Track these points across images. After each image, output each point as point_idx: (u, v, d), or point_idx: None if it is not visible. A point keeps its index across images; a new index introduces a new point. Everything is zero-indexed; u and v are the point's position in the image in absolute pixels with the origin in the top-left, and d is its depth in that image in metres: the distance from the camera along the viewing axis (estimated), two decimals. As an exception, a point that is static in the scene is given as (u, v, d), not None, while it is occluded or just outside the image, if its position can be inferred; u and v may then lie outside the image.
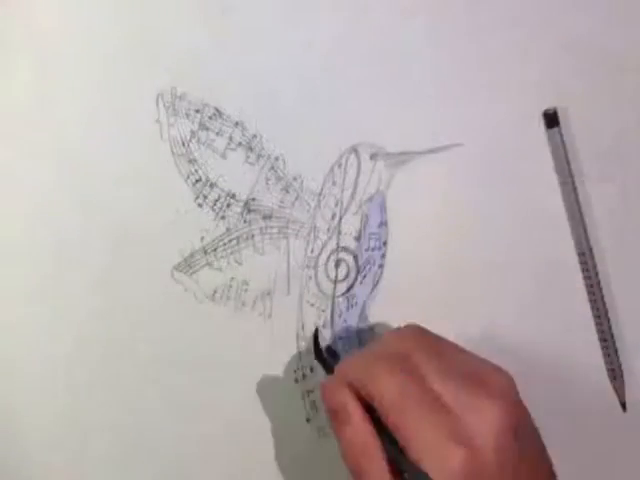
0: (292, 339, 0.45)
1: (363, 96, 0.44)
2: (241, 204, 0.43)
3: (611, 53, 0.45)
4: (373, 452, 0.35)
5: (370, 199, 0.45)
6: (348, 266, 0.45)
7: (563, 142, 0.45)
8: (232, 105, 0.42)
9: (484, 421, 0.34)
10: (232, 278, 0.44)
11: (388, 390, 0.35)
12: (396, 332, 0.39)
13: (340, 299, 0.45)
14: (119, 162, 0.42)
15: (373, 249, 0.45)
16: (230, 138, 0.43)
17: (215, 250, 0.43)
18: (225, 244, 0.43)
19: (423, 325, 0.39)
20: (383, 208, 0.45)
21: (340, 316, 0.45)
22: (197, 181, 0.43)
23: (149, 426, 0.44)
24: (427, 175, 0.45)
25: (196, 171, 0.43)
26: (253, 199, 0.43)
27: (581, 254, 0.46)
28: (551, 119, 0.45)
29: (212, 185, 0.43)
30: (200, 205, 0.43)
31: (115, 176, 0.42)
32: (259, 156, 0.43)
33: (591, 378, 0.47)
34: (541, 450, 0.36)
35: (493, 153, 0.45)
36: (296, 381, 0.45)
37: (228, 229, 0.43)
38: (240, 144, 0.43)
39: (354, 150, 0.44)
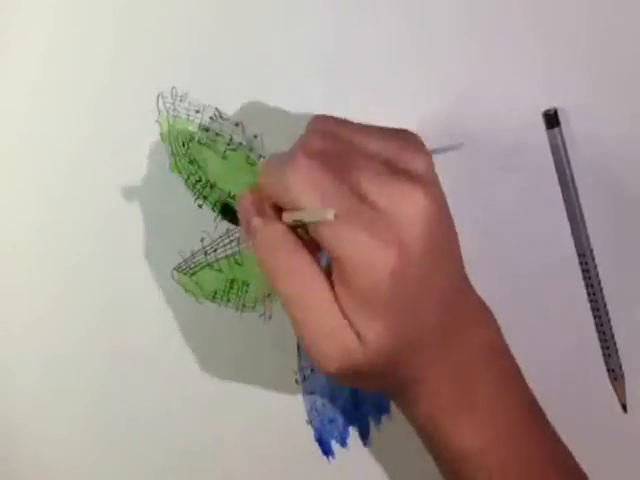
0: (292, 340, 0.45)
1: (363, 96, 0.44)
2: (241, 205, 0.43)
3: (612, 53, 0.45)
4: (298, 248, 0.35)
5: (371, 199, 0.44)
6: (349, 267, 0.45)
7: (563, 142, 0.45)
8: (232, 105, 0.42)
9: (408, 214, 0.33)
10: (232, 279, 0.44)
11: (309, 199, 0.33)
12: (310, 134, 0.36)
13: (340, 300, 0.45)
14: (119, 162, 0.42)
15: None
16: (230, 138, 0.43)
17: (215, 251, 0.43)
18: (225, 245, 0.43)
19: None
20: (384, 209, 0.44)
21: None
22: (197, 182, 0.42)
23: (149, 424, 0.44)
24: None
25: (196, 172, 0.42)
26: (253, 200, 0.43)
27: (581, 254, 0.46)
28: (551, 119, 0.45)
29: (212, 186, 0.43)
30: (200, 206, 0.43)
31: (115, 177, 0.42)
32: (259, 156, 0.43)
33: (591, 378, 0.47)
34: (455, 234, 0.37)
35: (493, 153, 0.45)
36: (296, 382, 0.45)
37: (228, 230, 0.43)
38: (240, 144, 0.43)
39: (355, 150, 0.44)
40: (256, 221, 0.35)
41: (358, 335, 0.34)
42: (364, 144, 0.35)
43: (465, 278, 0.38)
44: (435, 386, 0.36)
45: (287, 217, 0.35)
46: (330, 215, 0.31)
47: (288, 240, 0.35)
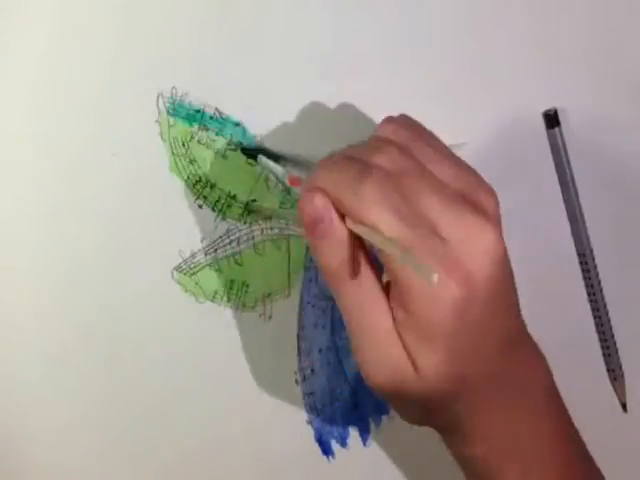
0: (292, 340, 0.45)
1: (363, 96, 0.44)
2: (241, 205, 0.43)
3: (612, 53, 0.45)
4: (364, 260, 0.34)
5: (371, 200, 0.44)
6: (349, 267, 0.45)
7: (563, 142, 0.45)
8: (232, 105, 0.42)
9: (479, 249, 0.33)
10: (232, 279, 0.44)
11: (382, 218, 0.32)
12: (386, 144, 0.35)
13: (340, 300, 0.45)
14: (119, 162, 0.41)
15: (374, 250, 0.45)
16: (230, 138, 0.43)
17: (215, 251, 0.43)
18: (225, 245, 0.43)
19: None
20: (384, 209, 0.44)
21: (341, 318, 0.45)
22: (197, 182, 0.42)
23: (149, 424, 0.44)
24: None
25: (196, 172, 0.42)
26: (253, 200, 0.43)
27: (581, 254, 0.46)
28: (551, 119, 0.45)
29: (212, 186, 0.43)
30: (200, 206, 0.43)
31: (115, 177, 0.42)
32: (260, 156, 0.43)
33: (591, 378, 0.48)
34: (514, 281, 0.36)
35: (493, 153, 0.45)
36: (296, 382, 0.45)
37: (228, 230, 0.43)
38: (240, 144, 0.43)
39: (355, 150, 0.44)
40: (335, 222, 0.33)
41: (414, 364, 0.33)
42: (438, 169, 0.34)
43: (522, 324, 0.37)
44: (487, 428, 0.35)
45: (353, 226, 0.33)
46: (434, 278, 0.29)
47: (358, 249, 0.34)
